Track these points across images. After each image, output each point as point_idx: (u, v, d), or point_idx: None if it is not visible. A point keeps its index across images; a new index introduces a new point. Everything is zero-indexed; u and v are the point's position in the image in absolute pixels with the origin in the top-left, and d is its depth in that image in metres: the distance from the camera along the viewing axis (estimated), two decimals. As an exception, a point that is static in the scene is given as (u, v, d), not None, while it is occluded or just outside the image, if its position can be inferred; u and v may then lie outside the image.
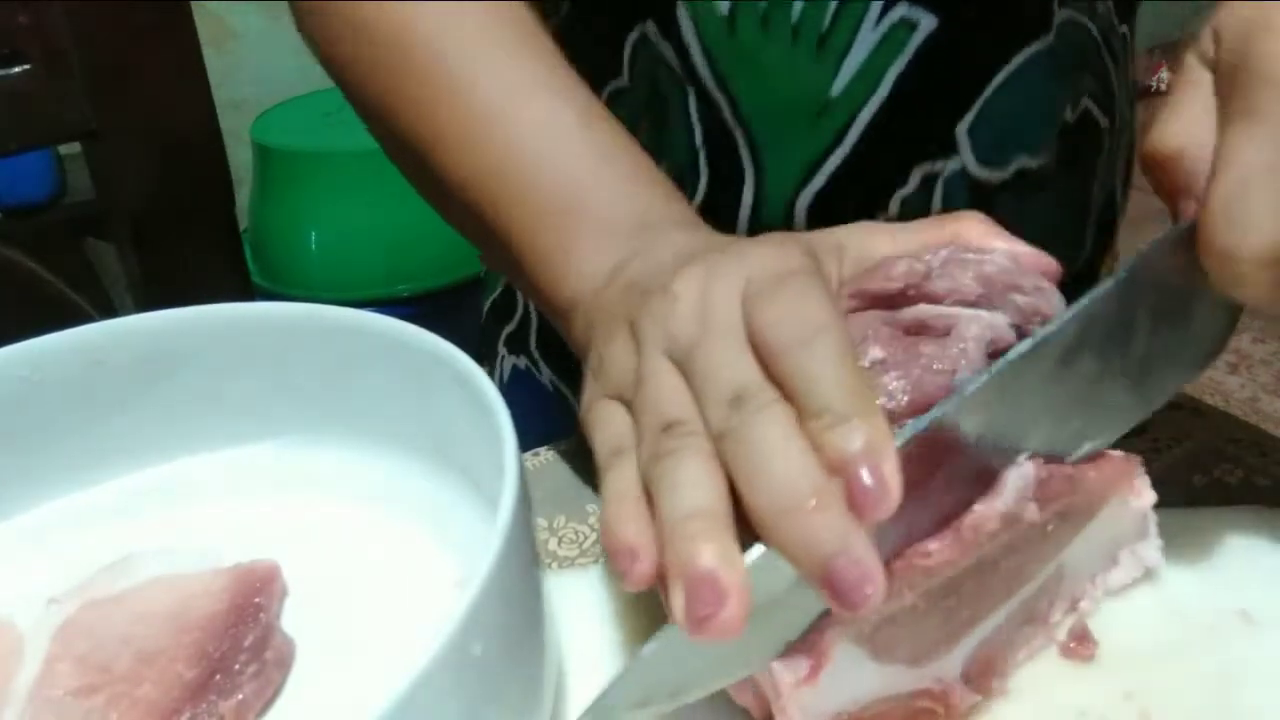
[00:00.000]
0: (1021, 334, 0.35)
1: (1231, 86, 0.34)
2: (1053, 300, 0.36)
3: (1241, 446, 0.48)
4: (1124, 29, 0.60)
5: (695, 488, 0.31)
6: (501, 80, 0.46)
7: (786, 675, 0.32)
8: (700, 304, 0.34)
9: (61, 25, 1.00)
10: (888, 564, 0.32)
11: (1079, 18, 0.56)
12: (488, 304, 0.72)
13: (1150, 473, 0.38)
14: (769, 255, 0.35)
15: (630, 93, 0.57)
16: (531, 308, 0.67)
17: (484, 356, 0.73)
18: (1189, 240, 0.34)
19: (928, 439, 0.32)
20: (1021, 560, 0.36)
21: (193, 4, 1.10)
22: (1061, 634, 0.38)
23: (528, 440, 0.68)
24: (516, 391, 0.69)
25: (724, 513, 0.30)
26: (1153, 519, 0.39)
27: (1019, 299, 0.36)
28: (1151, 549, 0.39)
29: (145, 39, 1.06)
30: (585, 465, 0.51)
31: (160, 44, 1.07)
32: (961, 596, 0.35)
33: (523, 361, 0.69)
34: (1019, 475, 0.34)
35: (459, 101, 0.46)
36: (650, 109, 0.56)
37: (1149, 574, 0.40)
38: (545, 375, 0.68)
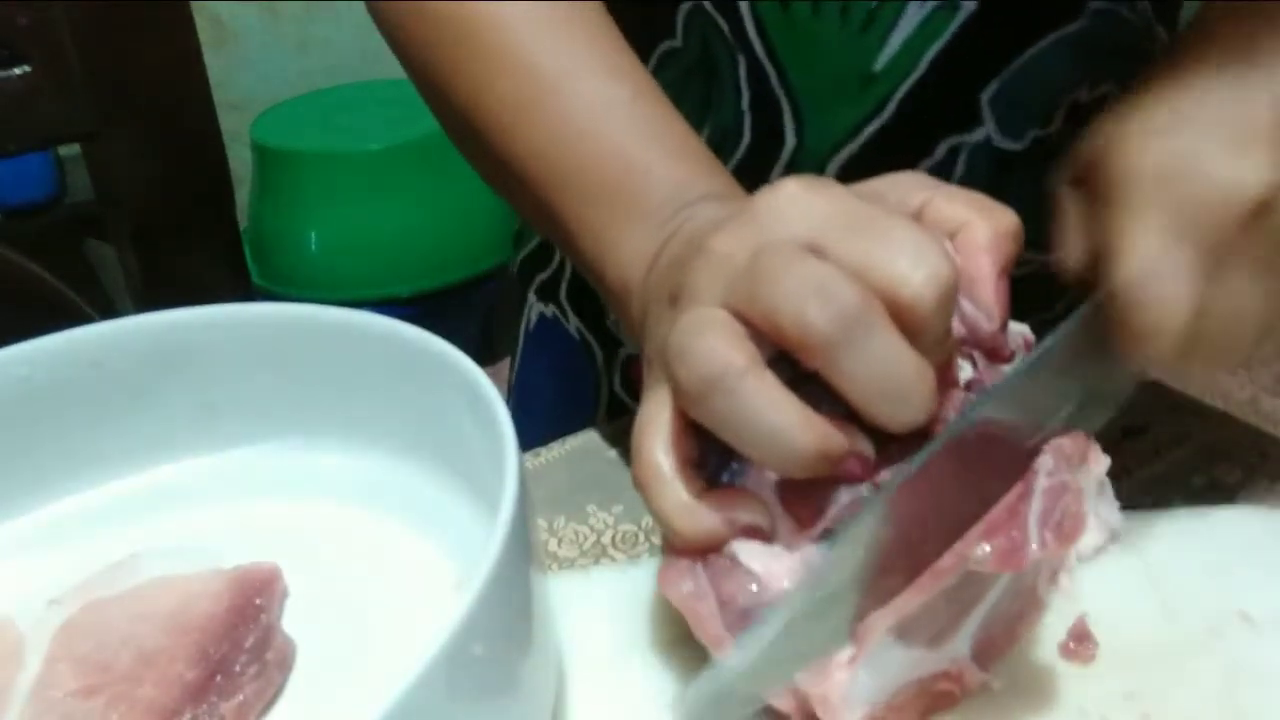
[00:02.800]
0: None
1: (1107, 187, 0.39)
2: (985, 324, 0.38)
3: (1241, 446, 0.48)
4: (1161, 31, 0.61)
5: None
6: (557, 57, 0.47)
7: (834, 659, 0.33)
8: (741, 250, 0.35)
9: (61, 25, 1.00)
10: (936, 559, 0.34)
11: (1116, 8, 0.58)
12: (523, 254, 0.74)
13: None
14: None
15: (682, 54, 0.59)
16: (567, 260, 0.69)
17: (509, 309, 0.77)
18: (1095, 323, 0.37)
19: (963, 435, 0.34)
20: None
21: (193, 4, 1.10)
22: (1061, 635, 0.39)
23: (550, 386, 0.71)
24: (542, 338, 0.73)
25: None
26: (1109, 483, 0.39)
27: (965, 306, 0.37)
28: (1113, 511, 0.40)
29: (145, 39, 1.06)
30: (586, 466, 0.51)
31: (160, 44, 1.07)
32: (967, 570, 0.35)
33: (550, 310, 0.72)
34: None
35: (515, 79, 0.47)
36: (701, 71, 0.59)
37: (1114, 536, 0.40)
38: (572, 323, 0.71)
